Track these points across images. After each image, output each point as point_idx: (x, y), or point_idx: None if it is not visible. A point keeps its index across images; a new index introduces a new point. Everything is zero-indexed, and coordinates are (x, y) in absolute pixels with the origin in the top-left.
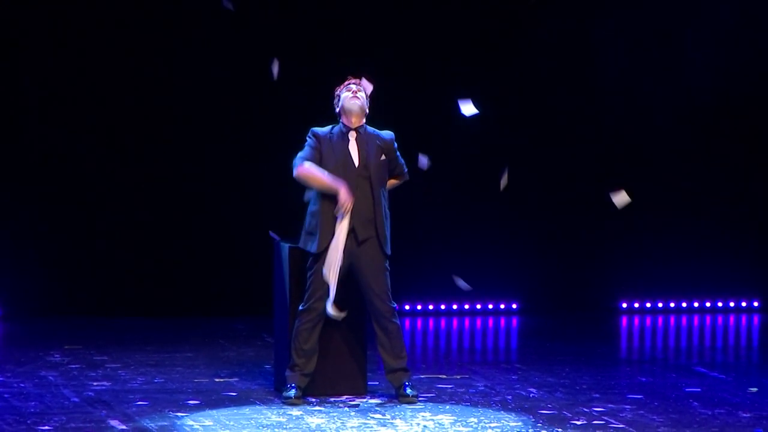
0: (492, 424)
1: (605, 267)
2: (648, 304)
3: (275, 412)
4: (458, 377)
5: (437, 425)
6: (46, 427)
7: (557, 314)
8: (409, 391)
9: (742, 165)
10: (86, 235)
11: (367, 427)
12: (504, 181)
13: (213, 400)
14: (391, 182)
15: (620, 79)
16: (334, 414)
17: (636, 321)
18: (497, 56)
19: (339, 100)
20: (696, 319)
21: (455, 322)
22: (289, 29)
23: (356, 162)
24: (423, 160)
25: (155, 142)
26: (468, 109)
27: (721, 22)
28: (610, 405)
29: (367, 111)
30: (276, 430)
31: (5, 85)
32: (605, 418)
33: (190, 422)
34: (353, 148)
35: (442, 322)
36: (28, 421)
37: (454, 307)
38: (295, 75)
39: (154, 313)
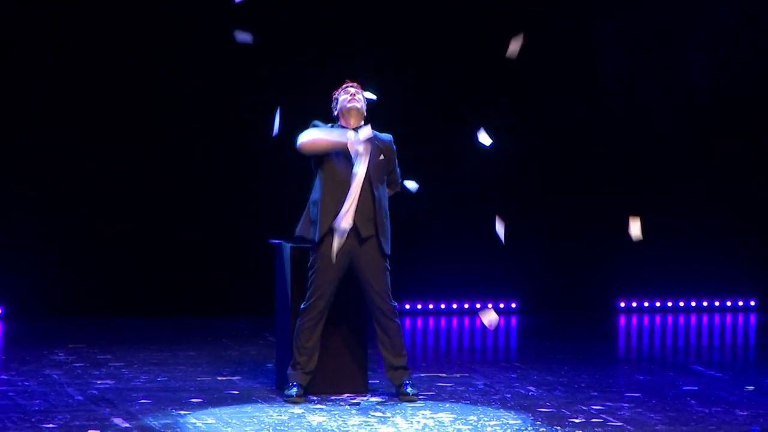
0: (491, 423)
1: (603, 267)
2: (646, 304)
3: (277, 410)
4: (458, 376)
5: (437, 423)
6: (51, 425)
7: (556, 313)
8: (409, 389)
9: (739, 165)
10: (90, 235)
11: (368, 425)
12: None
13: (215, 399)
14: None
15: (620, 79)
16: (335, 412)
17: (634, 320)
18: (497, 56)
19: (337, 102)
20: (693, 318)
21: (455, 321)
22: (289, 29)
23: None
24: (412, 185)
25: (156, 142)
26: (484, 138)
27: (721, 22)
28: (608, 403)
29: (365, 113)
30: (278, 428)
31: (5, 85)
32: (603, 416)
33: (193, 420)
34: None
35: (442, 321)
36: (33, 419)
37: (454, 306)
38: (295, 75)
39: (157, 313)
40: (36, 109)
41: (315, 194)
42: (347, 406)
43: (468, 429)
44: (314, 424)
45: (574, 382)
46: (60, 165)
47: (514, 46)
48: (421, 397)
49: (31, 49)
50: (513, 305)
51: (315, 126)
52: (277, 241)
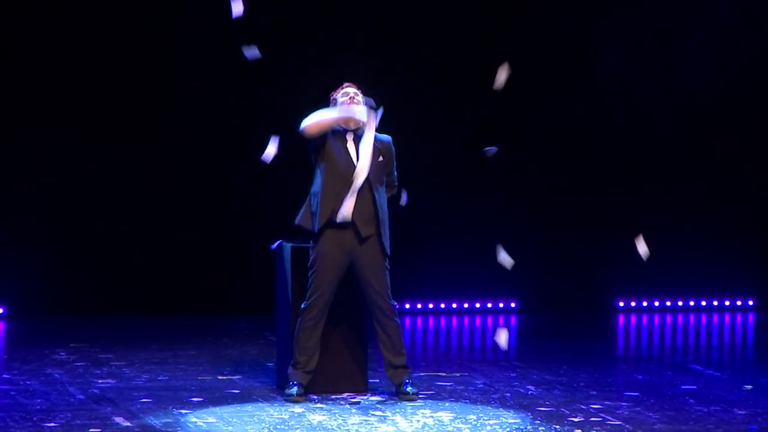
0: (491, 421)
1: (602, 266)
2: (644, 303)
3: (277, 409)
4: (458, 375)
5: (437, 422)
6: (52, 424)
7: (555, 313)
8: (409, 388)
9: (738, 165)
10: (91, 235)
11: (368, 424)
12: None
13: (216, 398)
14: None
15: (620, 79)
16: (336, 411)
17: (633, 319)
18: (497, 56)
19: (336, 103)
20: (692, 318)
21: (455, 320)
22: (290, 29)
23: (356, 162)
24: (403, 197)
25: (156, 142)
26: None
27: (721, 22)
28: (607, 402)
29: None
30: (278, 426)
31: (5, 85)
32: (602, 415)
33: (194, 419)
34: (352, 149)
35: (442, 321)
36: (34, 418)
37: (454, 305)
38: (295, 75)
39: (158, 312)
40: (36, 109)
41: (316, 186)
42: (347, 405)
43: (467, 428)
44: (314, 423)
45: (573, 381)
46: (60, 165)
47: (502, 77)
48: (420, 396)
49: (31, 49)
50: (512, 305)
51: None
52: (276, 246)
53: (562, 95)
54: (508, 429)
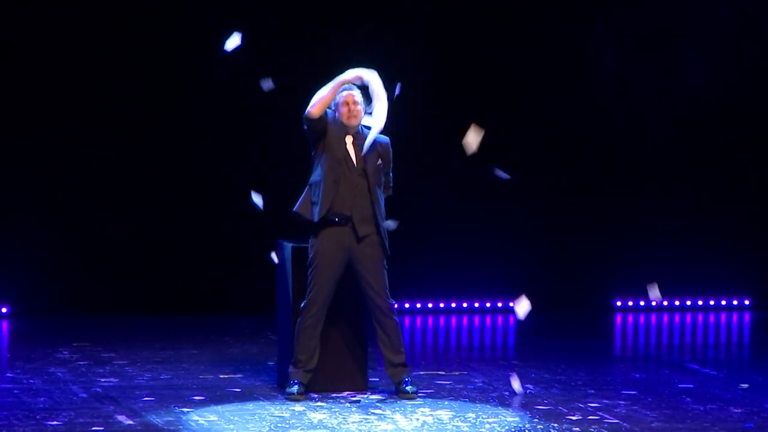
0: (490, 420)
1: (600, 266)
2: (642, 302)
3: (278, 407)
4: (457, 374)
5: (436, 420)
6: (55, 423)
7: (553, 312)
8: (408, 387)
9: (735, 165)
10: (93, 234)
11: (368, 422)
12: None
13: (218, 396)
14: None
15: (620, 79)
16: (336, 409)
17: (630, 318)
18: (497, 56)
19: (336, 105)
20: (689, 317)
21: (454, 319)
22: (290, 29)
23: (355, 162)
24: (390, 224)
25: (158, 141)
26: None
27: (721, 22)
28: (604, 401)
29: (363, 114)
30: (279, 425)
31: (5, 85)
32: (600, 413)
33: (196, 417)
34: (351, 149)
35: (441, 320)
36: (38, 417)
37: (453, 305)
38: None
39: (160, 311)
40: (36, 109)
41: (316, 176)
42: (347, 404)
43: (466, 426)
44: (315, 421)
45: (571, 380)
46: (60, 165)
47: (473, 139)
48: (420, 394)
49: (31, 49)
50: (511, 304)
51: None
52: (275, 260)
53: (562, 95)
54: (506, 427)
